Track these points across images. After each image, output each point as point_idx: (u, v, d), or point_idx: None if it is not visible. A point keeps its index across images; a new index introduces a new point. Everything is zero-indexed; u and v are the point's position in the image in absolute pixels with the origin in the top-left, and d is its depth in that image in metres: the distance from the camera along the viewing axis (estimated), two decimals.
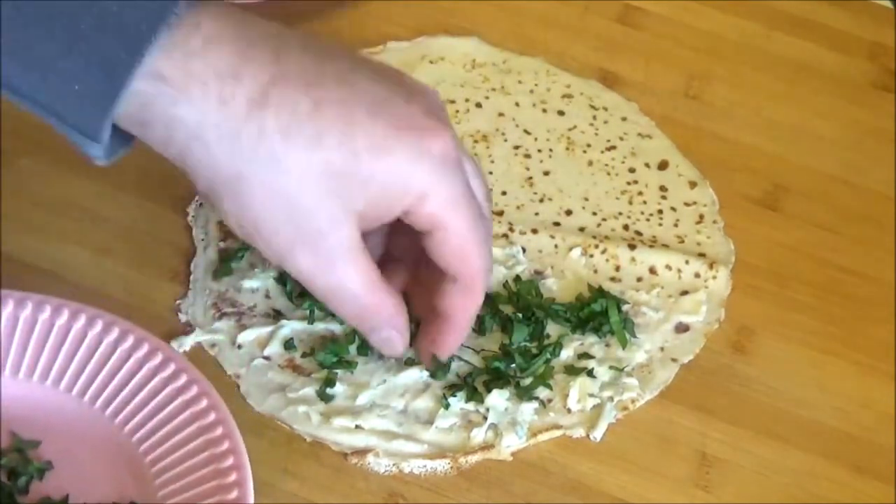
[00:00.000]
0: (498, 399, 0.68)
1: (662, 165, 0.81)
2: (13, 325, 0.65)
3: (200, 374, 0.64)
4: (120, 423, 0.63)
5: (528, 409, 0.68)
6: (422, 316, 0.66)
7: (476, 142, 0.81)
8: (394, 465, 0.65)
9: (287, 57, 0.57)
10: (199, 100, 0.55)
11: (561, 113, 0.84)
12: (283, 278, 0.71)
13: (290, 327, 0.70)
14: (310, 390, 0.67)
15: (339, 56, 0.59)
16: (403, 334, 0.64)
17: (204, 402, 0.63)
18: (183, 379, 0.63)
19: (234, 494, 0.59)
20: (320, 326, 0.70)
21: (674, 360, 0.72)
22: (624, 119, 0.84)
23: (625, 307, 0.72)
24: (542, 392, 0.69)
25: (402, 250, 0.67)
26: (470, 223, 0.60)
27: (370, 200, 0.58)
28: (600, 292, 0.73)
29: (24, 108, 0.55)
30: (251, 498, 0.60)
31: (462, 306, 0.63)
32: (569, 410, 0.68)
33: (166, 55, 0.54)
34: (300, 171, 0.56)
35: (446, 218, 0.59)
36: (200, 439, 0.61)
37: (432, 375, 0.67)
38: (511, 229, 0.76)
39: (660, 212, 0.79)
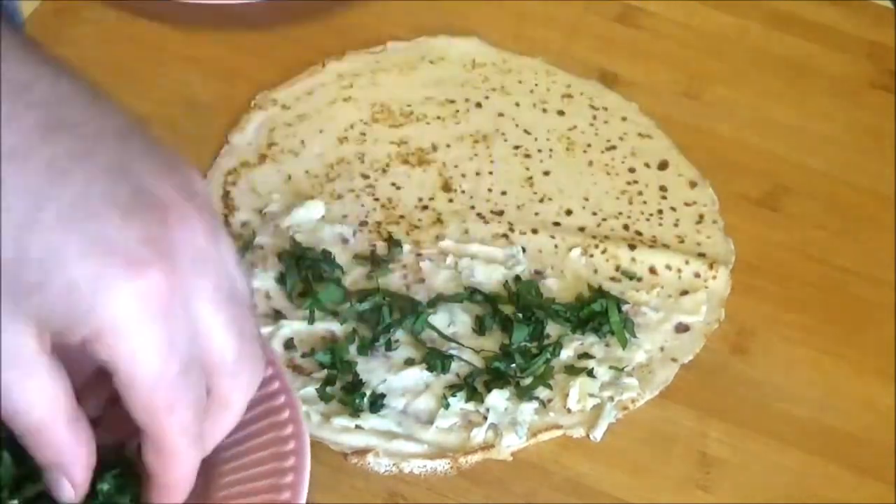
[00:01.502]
0: (498, 399, 0.68)
1: (662, 165, 0.81)
2: None
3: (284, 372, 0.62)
4: None
5: (528, 409, 0.68)
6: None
7: (476, 142, 0.81)
8: (394, 465, 0.65)
9: (5, 117, 0.48)
10: None
11: (561, 113, 0.84)
12: (283, 278, 0.72)
13: (290, 327, 0.70)
14: (310, 390, 0.67)
15: (78, 136, 0.49)
16: (76, 481, 0.52)
17: (282, 399, 0.61)
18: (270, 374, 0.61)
19: (286, 495, 0.58)
20: (320, 326, 0.70)
21: (674, 360, 0.72)
22: (624, 119, 0.84)
23: (625, 307, 0.72)
24: (542, 392, 0.69)
25: None
26: (155, 381, 0.49)
27: (43, 309, 0.48)
28: (600, 292, 0.73)
29: None
30: (303, 498, 0.58)
31: (157, 465, 0.52)
32: (569, 410, 0.68)
33: None
34: None
35: (125, 366, 0.49)
36: (270, 434, 0.60)
37: None
38: (511, 229, 0.76)
39: (660, 212, 0.79)
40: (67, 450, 0.51)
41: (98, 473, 0.54)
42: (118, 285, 0.48)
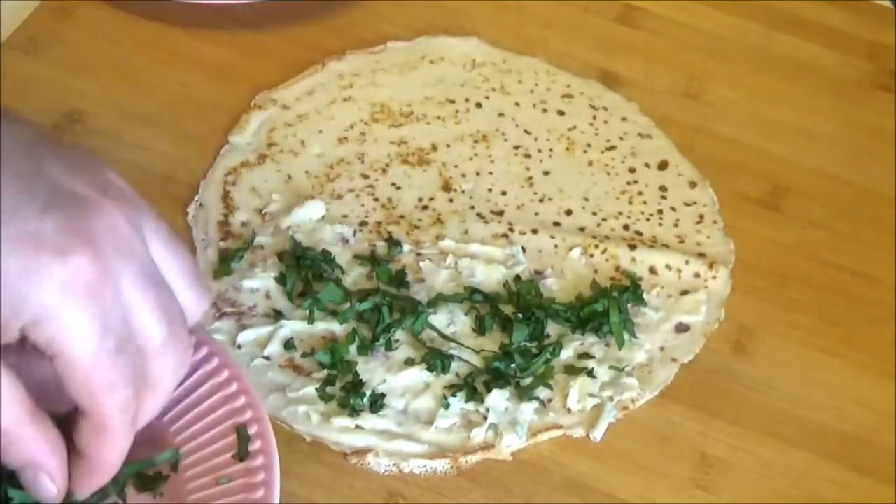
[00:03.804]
0: (498, 399, 0.68)
1: (662, 165, 0.81)
2: None
3: (218, 345, 0.63)
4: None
5: (528, 409, 0.68)
6: None
7: (476, 142, 0.81)
8: (394, 465, 0.65)
9: None
10: None
11: (561, 113, 0.84)
12: (283, 278, 0.71)
13: (290, 327, 0.70)
14: (310, 390, 0.67)
15: None
16: (55, 475, 0.54)
17: (225, 374, 0.62)
18: (203, 350, 0.62)
19: (260, 477, 0.59)
20: (320, 326, 0.70)
21: (674, 360, 0.72)
22: (624, 119, 0.84)
23: (628, 304, 0.72)
24: (542, 392, 0.69)
25: None
26: (93, 358, 0.52)
27: None
28: (602, 292, 0.73)
29: None
30: (278, 481, 0.59)
31: (94, 444, 0.54)
32: (569, 410, 0.68)
33: None
34: None
35: (62, 347, 0.51)
36: (224, 408, 0.61)
37: None
38: (511, 229, 0.76)
39: (660, 212, 0.79)
40: (38, 446, 0.53)
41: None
42: (46, 272, 0.51)
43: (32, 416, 0.53)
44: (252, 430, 0.61)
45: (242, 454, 0.60)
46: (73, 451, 0.55)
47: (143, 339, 0.53)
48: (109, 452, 0.54)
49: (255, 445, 0.60)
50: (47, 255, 0.51)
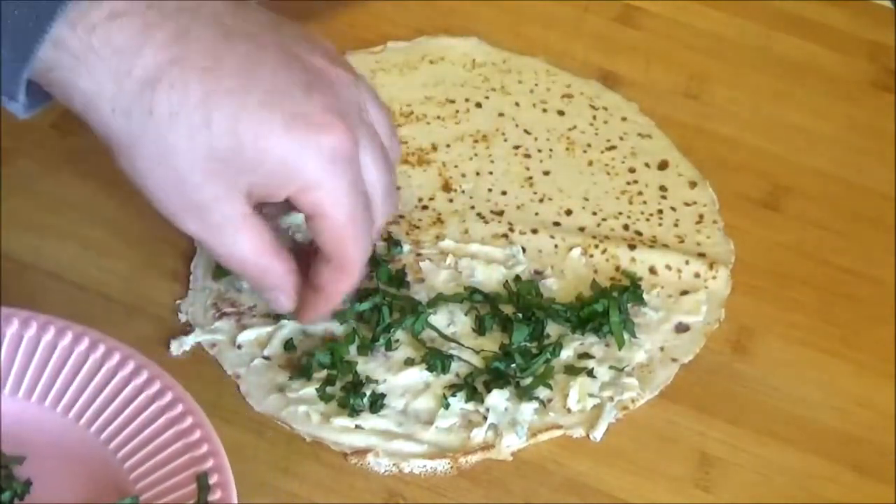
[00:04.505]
0: (498, 399, 0.68)
1: (662, 165, 0.81)
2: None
3: (182, 389, 0.63)
4: (104, 441, 0.62)
5: (528, 409, 0.68)
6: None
7: (476, 142, 0.81)
8: (394, 465, 0.65)
9: (190, 37, 0.58)
10: (96, 72, 0.56)
11: (561, 113, 0.84)
12: None
13: (290, 327, 0.70)
14: (310, 390, 0.67)
15: (248, 37, 0.60)
16: (290, 296, 0.65)
17: (189, 421, 0.62)
18: (168, 397, 0.63)
19: (217, 496, 0.59)
20: (320, 326, 0.70)
21: (674, 360, 0.72)
22: (624, 119, 0.84)
23: (628, 304, 0.72)
24: (542, 392, 0.69)
25: None
26: (348, 217, 0.61)
27: (255, 183, 0.60)
28: (602, 292, 0.73)
29: None
30: (234, 498, 0.60)
31: (333, 282, 0.64)
32: (569, 410, 0.68)
33: (70, 26, 0.56)
34: (186, 151, 0.58)
35: (326, 209, 0.61)
36: (185, 457, 0.61)
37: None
38: (511, 229, 0.76)
39: (660, 212, 0.79)
40: (278, 273, 0.63)
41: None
42: (316, 148, 0.59)
43: (279, 253, 0.63)
44: (213, 480, 0.60)
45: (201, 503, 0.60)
46: (305, 285, 0.65)
47: (373, 196, 0.63)
48: (345, 285, 0.64)
49: (215, 496, 0.60)
50: (315, 132, 0.59)
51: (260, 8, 0.62)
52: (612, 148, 0.82)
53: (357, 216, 0.62)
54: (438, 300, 0.71)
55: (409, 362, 0.69)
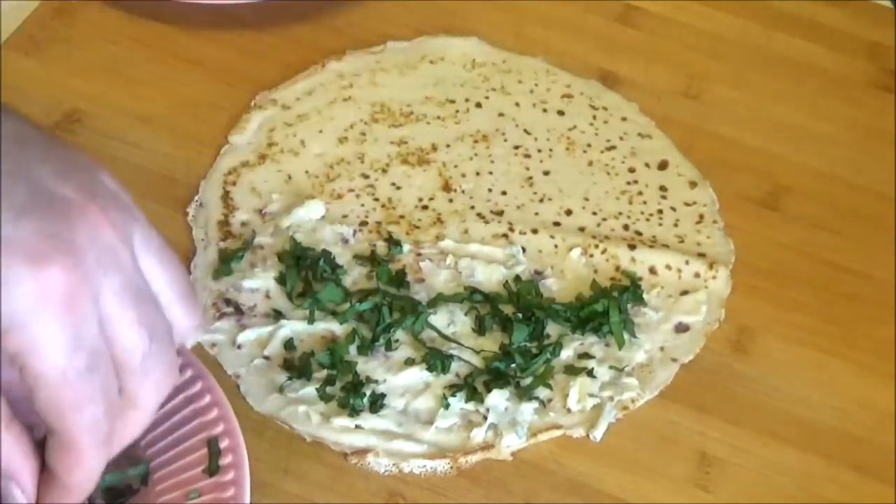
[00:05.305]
0: (498, 399, 0.68)
1: (662, 165, 0.81)
2: None
3: (192, 356, 0.63)
4: None
5: (528, 409, 0.68)
6: None
7: (476, 142, 0.81)
8: (394, 465, 0.65)
9: None
10: None
11: (561, 113, 0.84)
12: (283, 278, 0.71)
13: (290, 327, 0.70)
14: (310, 390, 0.67)
15: None
16: (26, 487, 0.52)
17: (198, 386, 0.62)
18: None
19: (230, 493, 0.59)
20: (320, 326, 0.70)
21: (674, 360, 0.72)
22: (624, 119, 0.84)
23: (628, 304, 0.72)
24: (542, 392, 0.69)
25: None
26: (61, 376, 0.49)
27: None
28: (602, 292, 0.73)
29: None
30: (247, 497, 0.59)
31: (62, 465, 0.51)
32: (569, 410, 0.68)
33: None
34: None
35: (32, 362, 0.49)
36: (195, 422, 0.61)
37: None
38: (511, 229, 0.76)
39: (660, 212, 0.79)
40: (11, 455, 0.51)
41: None
42: (20, 280, 0.48)
43: (8, 424, 0.51)
44: (223, 444, 0.60)
45: (213, 469, 0.60)
46: (46, 468, 0.52)
47: (123, 354, 0.51)
48: (77, 474, 0.52)
49: (226, 460, 0.60)
50: (20, 262, 0.48)
51: (25, 122, 0.53)
52: (612, 148, 0.82)
53: (75, 376, 0.49)
54: (438, 300, 0.71)
55: (409, 362, 0.69)
